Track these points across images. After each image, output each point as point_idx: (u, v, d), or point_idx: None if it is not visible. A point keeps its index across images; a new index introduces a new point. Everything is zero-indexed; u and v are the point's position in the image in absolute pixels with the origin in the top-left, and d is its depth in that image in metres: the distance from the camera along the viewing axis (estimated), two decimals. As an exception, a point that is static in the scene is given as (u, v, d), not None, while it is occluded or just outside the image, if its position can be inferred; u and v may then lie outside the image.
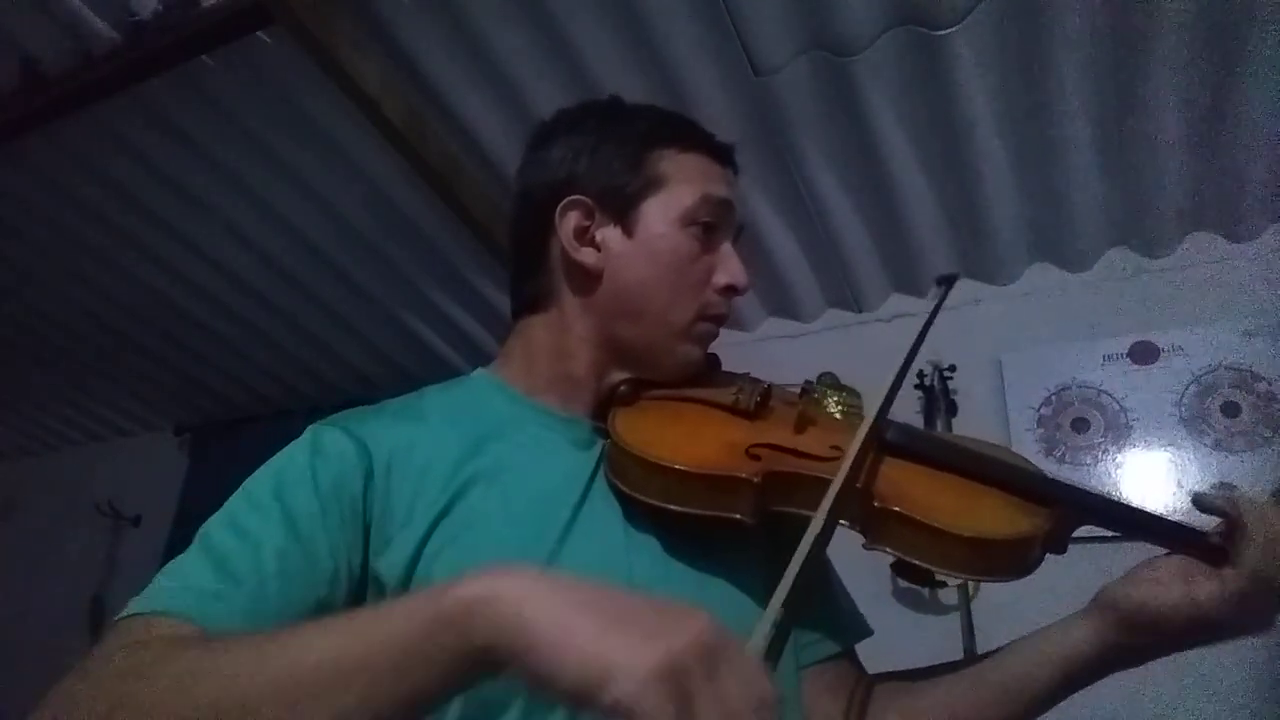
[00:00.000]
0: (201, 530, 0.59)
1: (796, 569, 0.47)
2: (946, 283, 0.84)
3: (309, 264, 2.37)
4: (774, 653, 0.42)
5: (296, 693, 0.41)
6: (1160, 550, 0.63)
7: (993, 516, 0.62)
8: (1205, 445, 1.72)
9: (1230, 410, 1.72)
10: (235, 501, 0.60)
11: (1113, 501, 0.67)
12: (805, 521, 0.53)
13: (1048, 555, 0.63)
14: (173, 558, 0.57)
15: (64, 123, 1.97)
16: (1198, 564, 0.60)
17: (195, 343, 2.84)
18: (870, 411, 0.67)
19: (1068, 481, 0.66)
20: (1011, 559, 0.61)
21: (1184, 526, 0.62)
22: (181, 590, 0.53)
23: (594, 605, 0.39)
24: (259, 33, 1.69)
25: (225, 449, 3.16)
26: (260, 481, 0.61)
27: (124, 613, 0.52)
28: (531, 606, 0.39)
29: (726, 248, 0.76)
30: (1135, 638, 0.61)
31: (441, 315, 2.50)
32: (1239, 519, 0.59)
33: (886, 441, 0.68)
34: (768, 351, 2.26)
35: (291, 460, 0.62)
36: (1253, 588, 0.57)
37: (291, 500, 0.59)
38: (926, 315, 0.79)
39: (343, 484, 0.60)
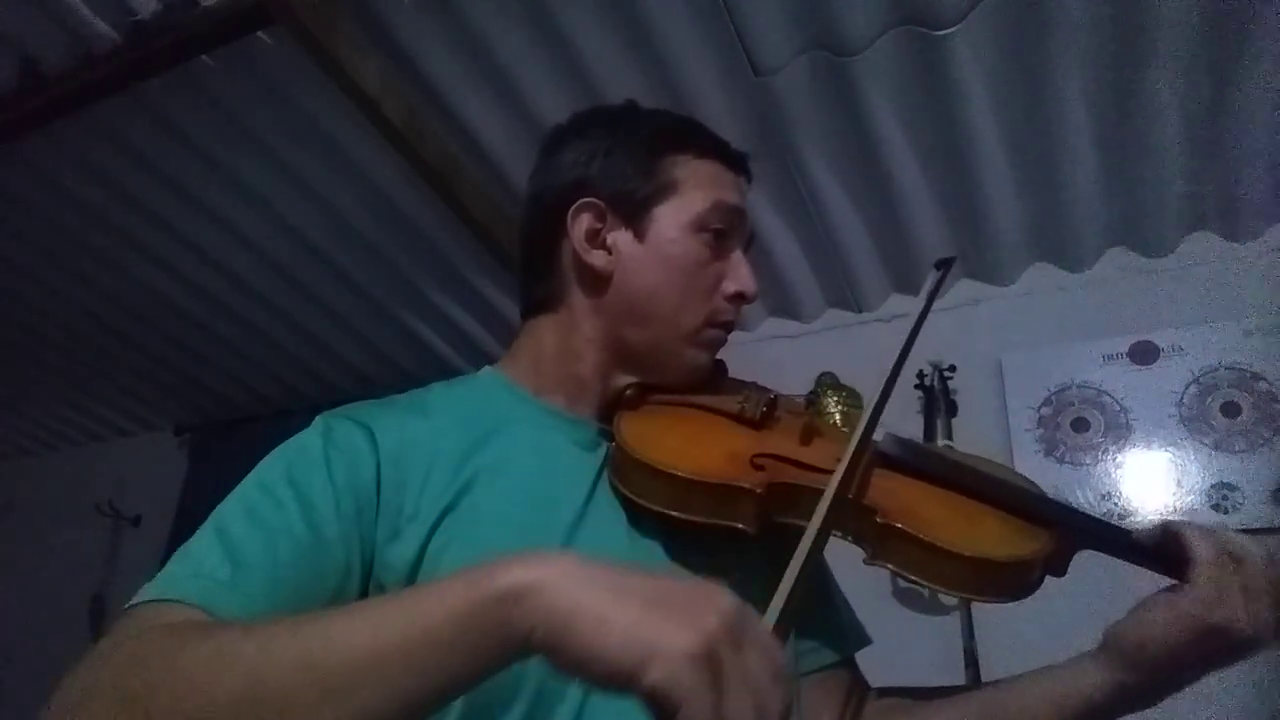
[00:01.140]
0: (214, 516, 0.57)
1: (791, 580, 0.47)
2: (945, 266, 0.80)
3: (309, 264, 2.37)
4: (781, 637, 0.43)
5: (332, 680, 0.40)
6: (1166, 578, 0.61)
7: (995, 537, 0.62)
8: (1205, 445, 1.72)
9: (1230, 410, 1.72)
10: (248, 488, 0.59)
11: (1115, 528, 0.64)
12: None
13: (1047, 577, 0.63)
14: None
15: (64, 123, 1.96)
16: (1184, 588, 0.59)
17: (195, 343, 2.84)
18: (864, 415, 0.66)
19: (1068, 502, 0.66)
20: (1012, 581, 0.61)
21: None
22: (194, 578, 0.52)
23: (629, 590, 0.39)
24: (259, 33, 1.69)
25: (225, 449, 3.15)
26: (273, 468, 0.60)
27: (135, 600, 0.51)
28: (571, 593, 0.39)
29: (737, 255, 0.76)
30: (1140, 675, 0.60)
31: (441, 315, 2.49)
32: (1181, 537, 0.59)
33: (890, 456, 0.68)
34: (768, 351, 2.26)
35: (304, 449, 0.61)
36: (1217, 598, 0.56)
37: (306, 488, 0.58)
38: (922, 304, 0.76)
39: (355, 474, 0.60)
